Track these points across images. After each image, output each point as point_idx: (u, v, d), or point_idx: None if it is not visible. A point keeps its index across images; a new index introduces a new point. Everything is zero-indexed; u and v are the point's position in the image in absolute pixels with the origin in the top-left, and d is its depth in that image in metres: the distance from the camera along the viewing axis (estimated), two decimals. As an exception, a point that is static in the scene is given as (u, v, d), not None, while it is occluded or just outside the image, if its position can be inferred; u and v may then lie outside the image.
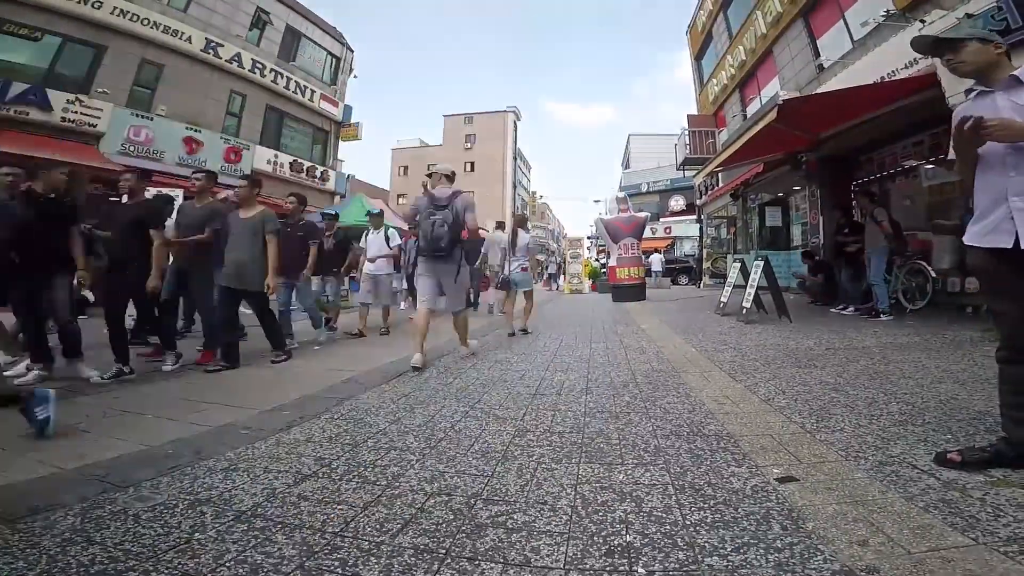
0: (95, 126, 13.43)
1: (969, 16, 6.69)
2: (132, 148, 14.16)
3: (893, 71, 8.46)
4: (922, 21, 7.70)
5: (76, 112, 13.04)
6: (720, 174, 17.75)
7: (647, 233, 18.37)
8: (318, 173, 21.24)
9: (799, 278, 11.55)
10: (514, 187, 58.11)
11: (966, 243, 2.25)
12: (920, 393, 3.42)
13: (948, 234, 7.94)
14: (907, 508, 1.83)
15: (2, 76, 11.94)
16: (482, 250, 8.38)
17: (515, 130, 58.94)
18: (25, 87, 12.17)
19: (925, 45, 2.38)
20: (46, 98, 12.46)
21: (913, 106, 7.88)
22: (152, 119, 14.76)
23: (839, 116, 9.26)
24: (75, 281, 4.60)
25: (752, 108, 15.98)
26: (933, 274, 7.59)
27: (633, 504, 1.96)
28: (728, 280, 10.01)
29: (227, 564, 1.56)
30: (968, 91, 2.34)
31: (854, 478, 2.10)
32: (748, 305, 7.96)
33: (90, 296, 10.27)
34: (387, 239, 7.70)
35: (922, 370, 4.15)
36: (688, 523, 1.79)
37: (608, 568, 1.54)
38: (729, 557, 1.57)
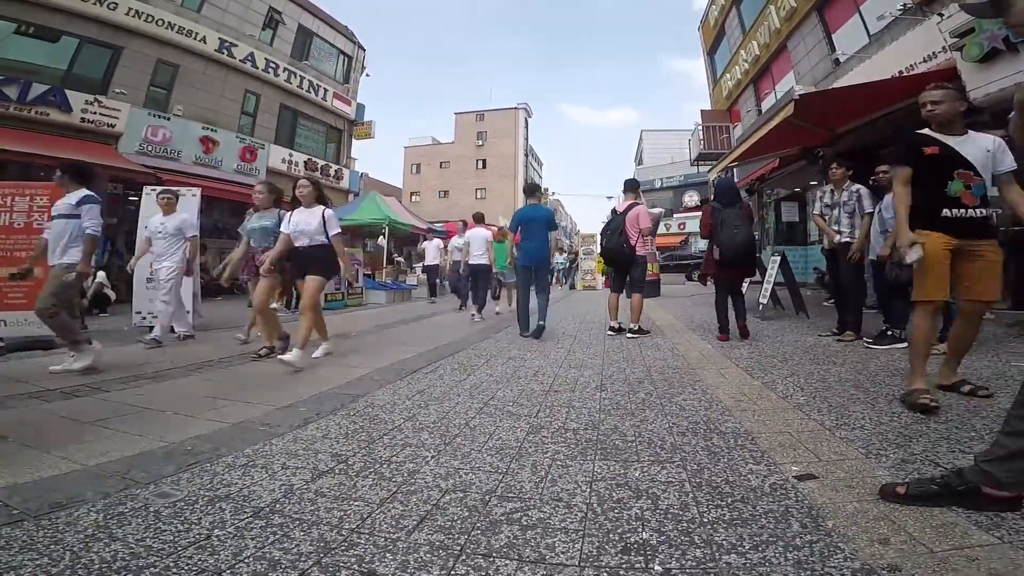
0: (113, 126, 13.61)
1: None
2: (150, 148, 14.34)
3: (911, 65, 8.33)
4: (940, 15, 7.56)
5: (95, 112, 13.23)
6: (735, 169, 17.57)
7: (660, 228, 18.25)
8: (332, 172, 21.38)
9: (818, 273, 11.42)
10: (526, 183, 57.97)
11: None
12: (942, 391, 3.36)
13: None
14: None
15: (23, 77, 12.13)
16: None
17: (526, 127, 58.82)
18: (45, 88, 12.35)
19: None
20: (66, 99, 12.64)
21: (933, 100, 7.74)
22: (169, 119, 14.94)
23: (856, 111, 9.12)
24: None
25: (767, 103, 15.83)
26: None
27: (649, 501, 1.95)
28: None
29: (246, 560, 1.57)
30: None
31: (875, 476, 2.08)
32: (765, 301, 7.88)
33: (112, 294, 10.46)
34: None
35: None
36: (705, 521, 1.78)
37: (624, 565, 1.53)
38: (747, 555, 1.56)
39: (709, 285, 6.42)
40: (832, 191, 5.77)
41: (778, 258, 7.99)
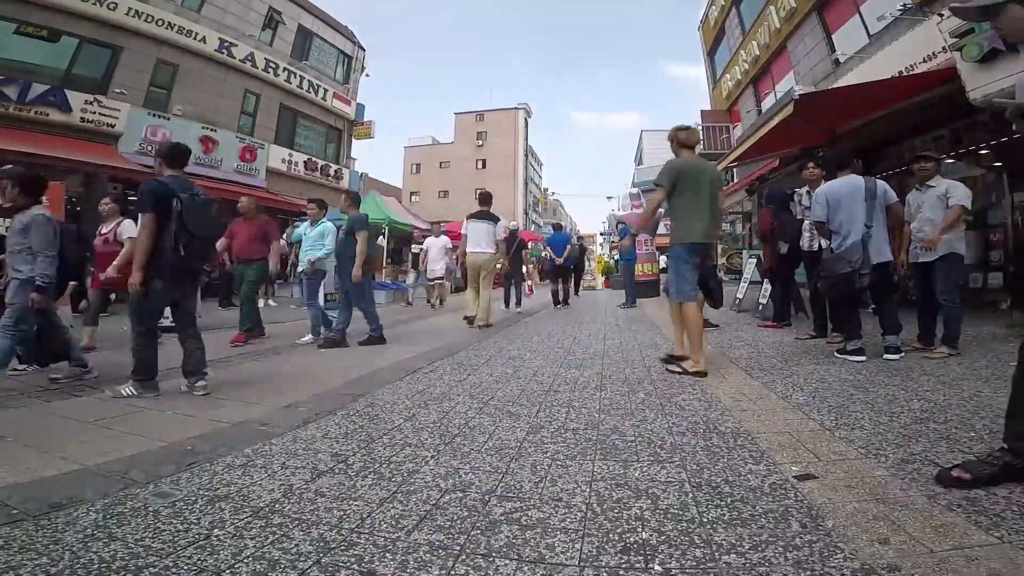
0: (113, 126, 13.59)
1: None
2: (150, 148, 14.25)
3: (911, 65, 8.31)
4: (940, 15, 7.55)
5: (95, 112, 13.21)
6: (735, 169, 17.57)
7: (660, 229, 18.24)
8: (332, 172, 21.36)
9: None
10: (526, 184, 58.05)
11: None
12: (942, 390, 3.37)
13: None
14: (929, 506, 1.80)
15: (23, 77, 12.10)
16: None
17: (526, 127, 58.86)
18: (45, 88, 12.33)
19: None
20: (66, 99, 12.62)
21: (932, 100, 7.74)
22: (168, 119, 14.91)
23: (856, 111, 9.12)
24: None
25: (767, 103, 15.82)
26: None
27: (649, 501, 1.94)
28: (744, 276, 9.92)
29: (245, 560, 1.57)
30: None
31: (874, 476, 2.08)
32: (764, 301, 7.89)
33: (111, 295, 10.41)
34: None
35: (944, 367, 4.09)
36: (705, 520, 1.78)
37: (624, 565, 1.53)
38: (747, 555, 1.55)
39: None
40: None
41: (754, 259, 8.03)
